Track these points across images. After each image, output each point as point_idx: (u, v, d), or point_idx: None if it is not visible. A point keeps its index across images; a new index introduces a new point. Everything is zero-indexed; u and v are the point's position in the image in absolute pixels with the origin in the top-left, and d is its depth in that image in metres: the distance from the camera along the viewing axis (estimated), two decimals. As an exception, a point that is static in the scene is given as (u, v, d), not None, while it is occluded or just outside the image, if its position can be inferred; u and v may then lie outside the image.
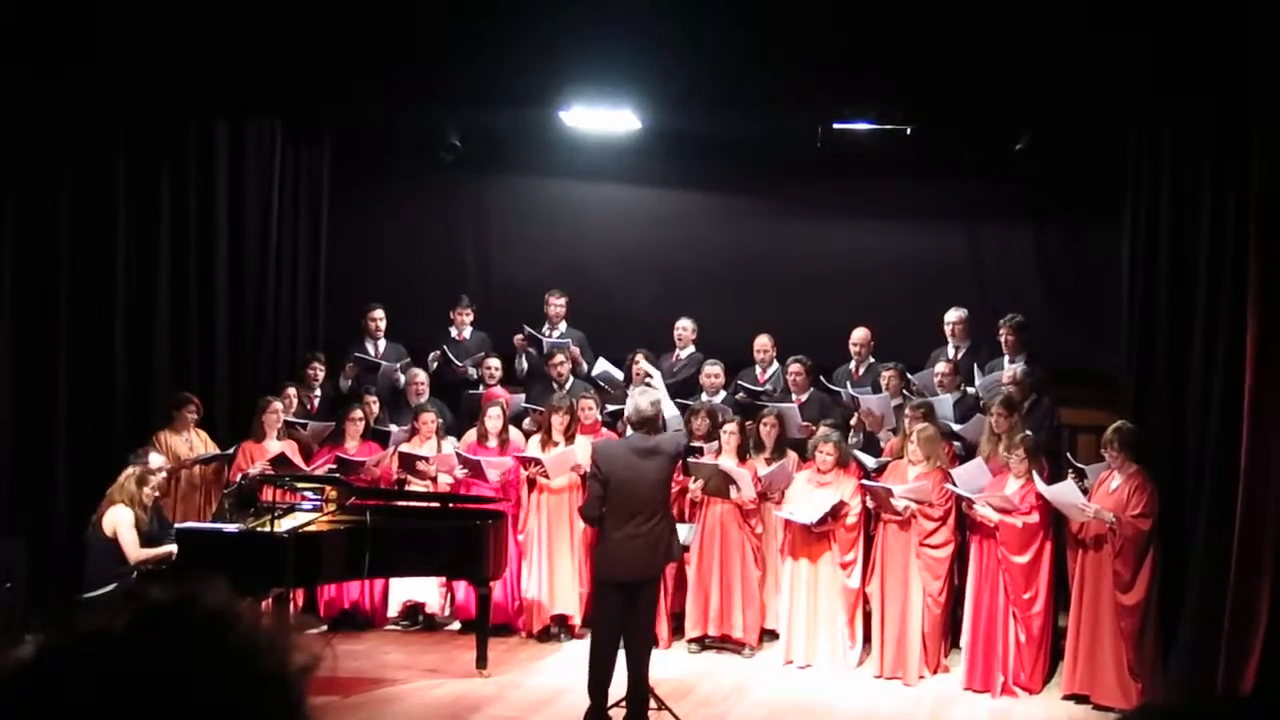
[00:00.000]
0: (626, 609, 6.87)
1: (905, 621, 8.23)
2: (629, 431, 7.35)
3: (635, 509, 6.77)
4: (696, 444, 8.75)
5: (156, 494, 8.12)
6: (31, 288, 8.71)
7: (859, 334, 9.76)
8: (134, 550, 7.72)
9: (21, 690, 1.03)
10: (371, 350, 10.24)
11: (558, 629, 9.01)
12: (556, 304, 10.34)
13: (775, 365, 9.88)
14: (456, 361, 10.10)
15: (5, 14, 8.08)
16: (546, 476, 8.88)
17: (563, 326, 10.35)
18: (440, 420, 9.40)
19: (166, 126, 9.35)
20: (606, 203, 11.20)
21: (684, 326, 10.18)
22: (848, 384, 9.52)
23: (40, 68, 8.33)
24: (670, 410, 7.53)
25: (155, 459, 8.21)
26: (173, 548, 7.78)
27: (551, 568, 8.91)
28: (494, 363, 9.92)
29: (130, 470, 7.93)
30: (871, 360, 9.69)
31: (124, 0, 8.35)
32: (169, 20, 8.31)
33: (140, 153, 9.24)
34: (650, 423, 6.95)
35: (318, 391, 9.82)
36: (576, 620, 8.94)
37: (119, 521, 7.73)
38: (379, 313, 10.24)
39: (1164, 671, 7.63)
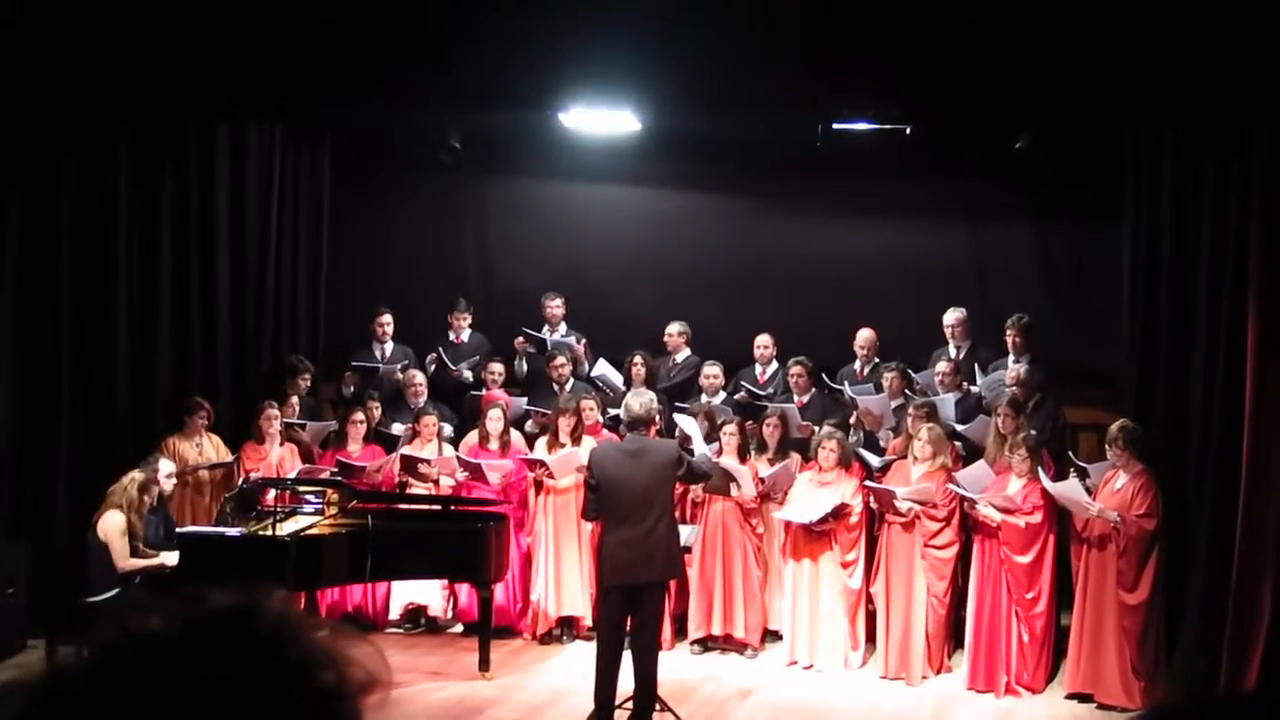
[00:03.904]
0: (629, 613, 6.90)
1: (909, 622, 8.23)
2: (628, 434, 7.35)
3: (626, 511, 6.83)
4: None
5: (157, 501, 8.10)
6: (34, 291, 8.70)
7: (864, 335, 9.73)
8: (121, 559, 7.66)
9: (81, 691, 1.02)
10: (378, 354, 10.22)
11: (561, 631, 9.01)
12: (554, 306, 10.32)
13: (775, 364, 9.87)
14: (451, 365, 10.09)
15: (7, 15, 8.07)
16: (552, 477, 8.88)
17: (562, 328, 10.34)
18: (441, 425, 9.39)
19: (168, 128, 9.34)
20: (607, 204, 11.19)
21: (673, 331, 10.15)
22: (846, 384, 9.50)
23: (42, 69, 8.33)
24: (700, 448, 7.46)
25: (165, 465, 8.20)
26: (163, 559, 7.74)
27: (559, 570, 8.91)
28: (497, 367, 9.88)
29: (134, 475, 7.87)
30: (877, 361, 9.65)
31: (125, 2, 8.34)
32: (170, 22, 8.31)
33: (142, 155, 9.24)
34: (641, 424, 7.01)
35: (294, 401, 9.61)
36: (587, 621, 8.93)
37: (110, 527, 7.68)
38: (386, 317, 10.20)
39: (1167, 670, 7.63)
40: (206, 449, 9.04)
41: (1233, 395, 7.26)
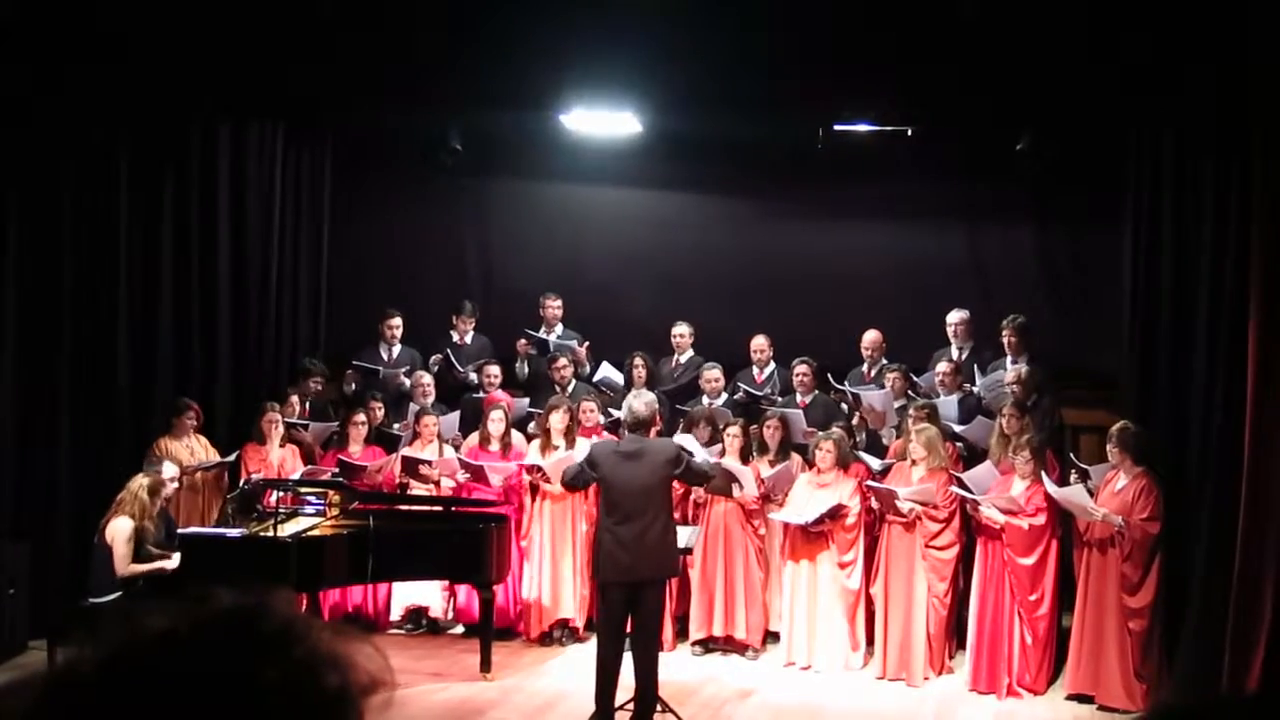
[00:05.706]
0: (628, 611, 6.90)
1: (910, 623, 8.23)
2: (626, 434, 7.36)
3: (624, 511, 6.88)
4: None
5: (165, 503, 8.11)
6: (34, 291, 8.70)
7: (870, 337, 9.71)
8: (123, 564, 7.64)
9: (93, 688, 1.03)
10: (385, 356, 10.22)
11: (560, 633, 9.00)
12: (553, 306, 10.33)
13: (772, 365, 9.87)
14: (459, 366, 10.09)
15: (8, 14, 8.08)
16: (548, 481, 8.87)
17: (559, 329, 10.34)
18: (440, 422, 9.38)
19: (169, 129, 9.34)
20: (607, 206, 11.20)
21: (680, 332, 10.15)
22: (848, 383, 9.50)
23: (43, 69, 8.33)
24: (701, 455, 7.47)
25: (169, 468, 8.19)
26: (165, 563, 7.74)
27: (555, 572, 8.90)
28: (494, 370, 9.85)
29: (142, 480, 7.86)
30: (884, 362, 9.63)
31: (127, 2, 8.35)
32: (171, 22, 8.32)
33: (143, 155, 9.24)
34: (644, 425, 7.02)
35: (294, 402, 9.63)
36: (578, 624, 8.93)
37: (117, 532, 7.67)
38: (396, 320, 10.19)
39: (1169, 671, 7.62)
40: (196, 450, 9.03)
41: (1234, 396, 7.25)
